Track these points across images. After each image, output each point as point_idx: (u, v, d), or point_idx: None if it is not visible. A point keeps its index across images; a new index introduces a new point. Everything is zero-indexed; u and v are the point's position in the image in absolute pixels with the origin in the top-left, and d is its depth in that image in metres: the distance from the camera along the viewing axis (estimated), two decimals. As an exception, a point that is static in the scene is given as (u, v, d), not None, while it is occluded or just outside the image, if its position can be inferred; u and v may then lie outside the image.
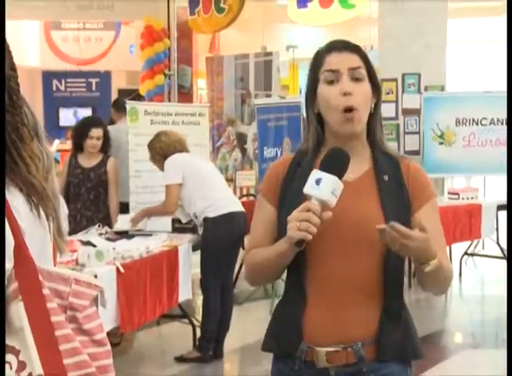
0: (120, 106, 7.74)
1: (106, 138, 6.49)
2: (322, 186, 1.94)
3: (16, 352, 1.29)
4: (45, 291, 1.34)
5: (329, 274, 2.11)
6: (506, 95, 8.51)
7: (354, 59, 2.14)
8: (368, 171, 2.17)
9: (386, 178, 2.15)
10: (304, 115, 2.28)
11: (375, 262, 2.09)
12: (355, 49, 2.17)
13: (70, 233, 5.44)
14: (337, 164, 2.00)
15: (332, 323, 2.10)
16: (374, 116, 2.18)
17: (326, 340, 2.11)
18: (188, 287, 5.51)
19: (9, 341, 1.29)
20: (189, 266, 5.52)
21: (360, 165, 2.15)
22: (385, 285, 2.11)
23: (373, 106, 2.17)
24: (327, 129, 2.18)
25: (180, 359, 5.53)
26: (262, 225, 2.22)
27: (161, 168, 5.67)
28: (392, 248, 1.98)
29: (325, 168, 1.98)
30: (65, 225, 1.58)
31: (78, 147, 6.46)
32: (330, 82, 2.11)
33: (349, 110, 2.08)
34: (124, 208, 6.68)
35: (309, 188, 1.96)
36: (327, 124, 2.16)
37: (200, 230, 5.54)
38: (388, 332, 2.11)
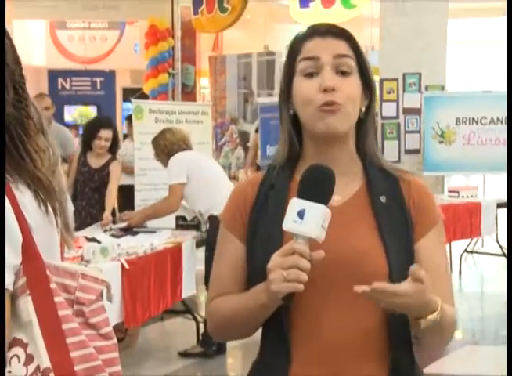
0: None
1: (115, 139, 6.54)
2: (307, 220, 1.46)
3: (24, 346, 1.30)
4: (53, 286, 1.35)
5: (318, 326, 1.62)
6: (505, 94, 8.61)
7: (340, 45, 1.65)
8: (360, 191, 1.68)
9: (383, 199, 1.65)
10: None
11: (376, 307, 1.54)
12: (342, 35, 1.66)
13: (76, 230, 5.49)
14: (320, 187, 1.50)
15: None
16: (366, 122, 1.69)
17: None
18: (192, 283, 5.51)
19: (17, 335, 1.31)
20: (193, 263, 5.52)
21: (349, 184, 1.67)
22: (391, 337, 1.62)
23: (363, 109, 1.68)
24: (305, 135, 1.69)
25: (184, 354, 5.56)
26: (228, 266, 1.70)
27: (165, 164, 5.65)
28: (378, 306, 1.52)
29: (306, 193, 1.49)
30: (71, 222, 1.61)
31: (87, 146, 6.51)
32: (309, 75, 1.63)
33: (329, 104, 1.60)
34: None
35: (291, 223, 1.48)
36: (304, 128, 1.67)
37: (204, 228, 5.58)
38: None
